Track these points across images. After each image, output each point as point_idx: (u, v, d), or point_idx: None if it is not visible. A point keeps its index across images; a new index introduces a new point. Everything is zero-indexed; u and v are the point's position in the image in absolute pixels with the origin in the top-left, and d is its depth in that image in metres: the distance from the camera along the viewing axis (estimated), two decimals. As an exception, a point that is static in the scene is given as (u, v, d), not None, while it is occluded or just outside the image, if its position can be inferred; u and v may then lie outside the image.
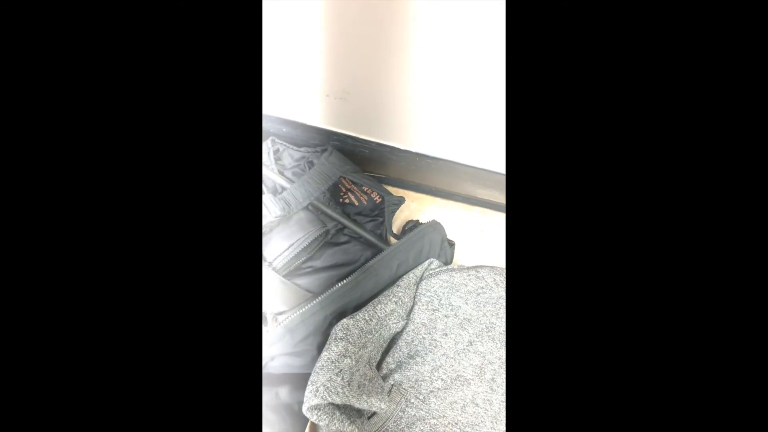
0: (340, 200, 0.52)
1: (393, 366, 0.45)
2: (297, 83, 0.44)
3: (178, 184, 0.24)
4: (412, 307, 0.46)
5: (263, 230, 0.45)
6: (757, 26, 0.23)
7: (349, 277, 0.44)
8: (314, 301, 0.41)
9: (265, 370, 0.41)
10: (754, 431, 0.23)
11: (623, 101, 0.24)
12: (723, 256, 0.24)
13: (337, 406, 0.38)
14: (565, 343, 0.24)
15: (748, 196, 0.24)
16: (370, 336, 0.42)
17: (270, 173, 0.49)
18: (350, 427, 0.37)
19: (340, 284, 0.43)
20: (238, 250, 0.25)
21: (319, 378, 0.37)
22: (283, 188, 0.48)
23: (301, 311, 0.40)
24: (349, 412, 0.39)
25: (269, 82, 0.44)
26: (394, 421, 0.43)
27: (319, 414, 0.37)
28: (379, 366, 0.45)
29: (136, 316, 0.24)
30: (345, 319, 0.41)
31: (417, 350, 0.45)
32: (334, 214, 0.49)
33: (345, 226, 0.50)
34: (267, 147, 0.51)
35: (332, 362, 0.38)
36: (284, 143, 0.51)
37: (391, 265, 0.46)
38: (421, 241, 0.48)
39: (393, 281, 0.46)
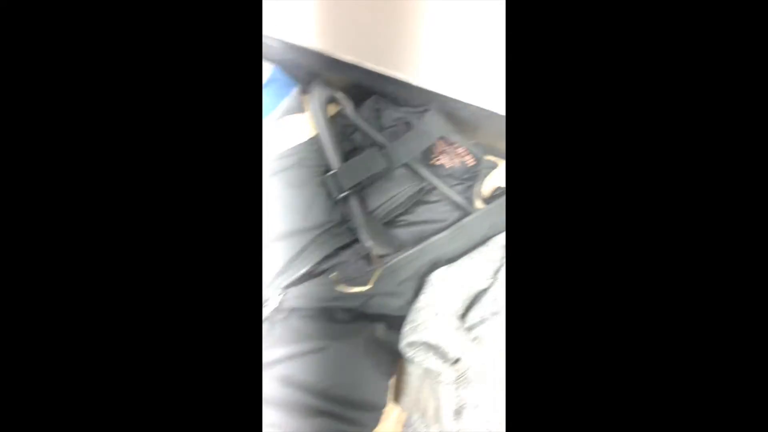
0: (431, 161, 0.54)
1: (477, 320, 0.47)
2: (407, 39, 0.46)
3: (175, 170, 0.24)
4: (500, 267, 0.48)
5: (368, 181, 0.48)
6: (757, 26, 0.23)
7: (445, 232, 0.46)
8: (414, 249, 0.44)
9: (361, 309, 0.45)
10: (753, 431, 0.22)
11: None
12: (721, 243, 0.23)
13: (431, 346, 0.41)
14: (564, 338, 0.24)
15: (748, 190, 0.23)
16: (461, 289, 0.45)
17: (371, 130, 0.52)
18: (441, 367, 0.41)
19: (435, 237, 0.46)
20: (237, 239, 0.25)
21: (417, 317, 0.40)
22: (384, 146, 0.51)
23: (403, 255, 0.44)
24: (439, 353, 0.42)
25: (379, 37, 0.46)
26: (474, 371, 0.46)
27: (415, 351, 0.40)
28: (464, 318, 0.47)
29: (134, 309, 0.24)
30: (441, 269, 0.44)
31: (500, 309, 0.48)
32: (426, 174, 0.51)
33: (436, 187, 0.52)
34: (370, 105, 0.53)
35: (429, 305, 0.41)
36: (386, 102, 0.53)
37: (483, 225, 0.48)
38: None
39: (484, 241, 0.48)
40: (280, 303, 0.43)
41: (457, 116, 0.53)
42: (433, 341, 0.40)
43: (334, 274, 0.43)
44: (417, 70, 0.49)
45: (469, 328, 0.47)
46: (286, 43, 0.51)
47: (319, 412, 0.40)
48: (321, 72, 0.54)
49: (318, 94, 0.50)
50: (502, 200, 0.49)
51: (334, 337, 0.41)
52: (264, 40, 0.50)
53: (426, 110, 0.51)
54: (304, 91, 0.56)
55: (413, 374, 0.44)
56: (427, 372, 0.43)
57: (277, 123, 0.53)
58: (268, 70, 0.53)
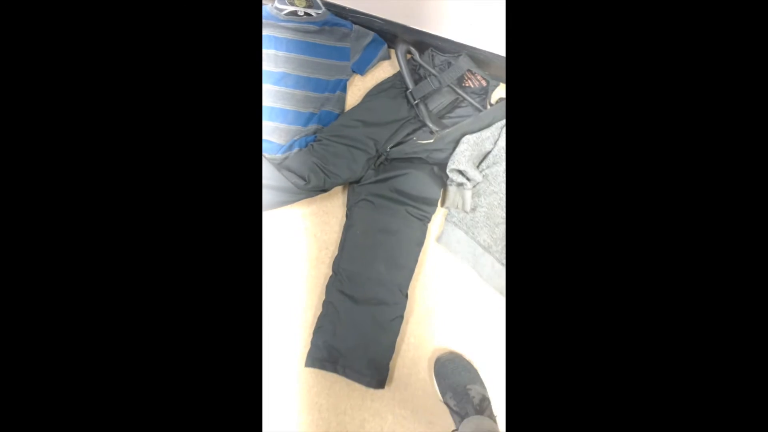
0: (463, 84, 0.95)
1: (485, 167, 0.91)
2: (450, 11, 0.86)
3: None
4: (498, 138, 0.91)
5: (429, 94, 0.90)
6: (757, 26, 0.22)
7: (470, 118, 0.89)
8: (453, 128, 0.88)
9: (425, 158, 0.90)
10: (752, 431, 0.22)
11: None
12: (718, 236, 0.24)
13: (461, 172, 0.85)
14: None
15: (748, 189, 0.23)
16: (477, 147, 0.88)
17: (428, 68, 0.93)
18: (466, 182, 0.85)
19: (464, 122, 0.89)
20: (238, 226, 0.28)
21: (455, 158, 0.84)
22: (436, 75, 0.93)
23: (448, 131, 0.87)
24: (465, 176, 0.86)
25: (432, 10, 0.87)
26: (480, 187, 0.90)
27: (452, 174, 0.85)
28: (479, 165, 0.91)
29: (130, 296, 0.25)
30: (467, 136, 0.87)
31: (497, 161, 0.91)
32: (460, 91, 0.93)
33: (464, 98, 0.94)
34: (428, 53, 0.94)
35: (461, 153, 0.85)
36: (436, 51, 0.94)
37: (489, 116, 0.90)
38: (505, 108, 0.91)
39: (491, 124, 0.90)
40: (387, 155, 0.89)
41: (477, 58, 0.93)
42: (462, 168, 0.84)
43: (415, 138, 0.88)
44: (453, 30, 0.89)
45: (480, 169, 0.91)
46: (380, 19, 0.92)
47: (403, 203, 0.86)
48: (399, 34, 0.95)
49: (401, 47, 0.92)
50: (502, 104, 0.91)
51: (414, 168, 0.87)
52: (371, 19, 0.92)
53: (459, 55, 0.92)
54: (389, 46, 0.97)
55: (451, 188, 0.89)
56: (458, 185, 0.88)
57: (377, 66, 0.97)
58: (369, 35, 0.95)
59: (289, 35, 0.94)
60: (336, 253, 0.89)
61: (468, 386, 0.77)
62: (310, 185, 0.84)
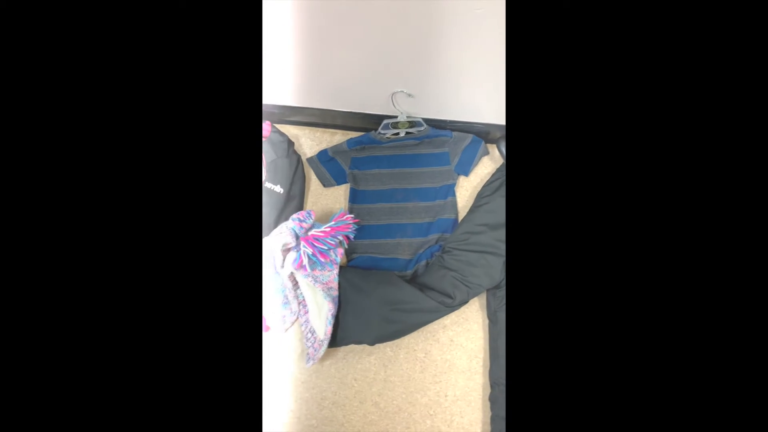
0: None
1: None
2: None
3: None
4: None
5: None
6: (757, 26, 0.22)
7: None
8: None
9: None
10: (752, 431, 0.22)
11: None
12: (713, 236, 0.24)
13: None
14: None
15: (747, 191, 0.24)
16: None
17: None
18: None
19: None
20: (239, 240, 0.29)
21: None
22: None
23: None
24: None
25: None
26: None
27: None
28: None
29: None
30: None
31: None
32: None
33: None
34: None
35: None
36: None
37: None
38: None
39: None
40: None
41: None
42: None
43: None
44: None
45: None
46: (480, 123, 0.95)
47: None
48: (492, 132, 0.98)
49: (502, 143, 0.94)
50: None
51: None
52: (470, 124, 0.95)
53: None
54: (487, 142, 1.00)
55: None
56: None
57: (479, 162, 0.99)
58: (468, 137, 0.98)
59: (387, 152, 0.98)
60: (486, 361, 0.87)
61: None
62: (457, 301, 0.84)
